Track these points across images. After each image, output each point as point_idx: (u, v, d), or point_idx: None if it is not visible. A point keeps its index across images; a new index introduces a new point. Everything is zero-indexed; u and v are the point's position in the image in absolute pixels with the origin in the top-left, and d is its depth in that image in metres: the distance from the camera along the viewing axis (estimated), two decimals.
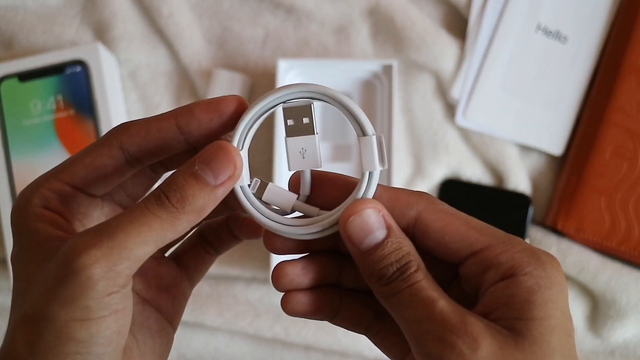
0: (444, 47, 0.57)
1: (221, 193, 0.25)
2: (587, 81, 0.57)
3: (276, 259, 0.54)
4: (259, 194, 0.27)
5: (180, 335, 0.56)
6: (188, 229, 0.25)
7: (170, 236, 0.24)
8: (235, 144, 0.26)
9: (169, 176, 0.25)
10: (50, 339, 0.23)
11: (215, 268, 0.56)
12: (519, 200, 0.56)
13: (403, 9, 0.57)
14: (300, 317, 0.28)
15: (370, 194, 0.26)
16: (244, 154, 0.26)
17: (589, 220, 0.54)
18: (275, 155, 0.54)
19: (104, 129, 0.53)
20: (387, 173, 0.54)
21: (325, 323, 0.57)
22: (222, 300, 0.56)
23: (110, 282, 0.23)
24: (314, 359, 0.56)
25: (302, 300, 0.28)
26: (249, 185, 0.27)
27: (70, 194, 0.27)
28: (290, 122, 0.27)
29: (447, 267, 0.27)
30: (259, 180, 0.28)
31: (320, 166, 0.27)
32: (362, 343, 0.55)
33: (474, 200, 0.56)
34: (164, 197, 0.24)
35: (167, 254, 0.32)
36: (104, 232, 0.23)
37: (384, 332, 0.28)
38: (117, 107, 0.56)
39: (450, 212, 0.26)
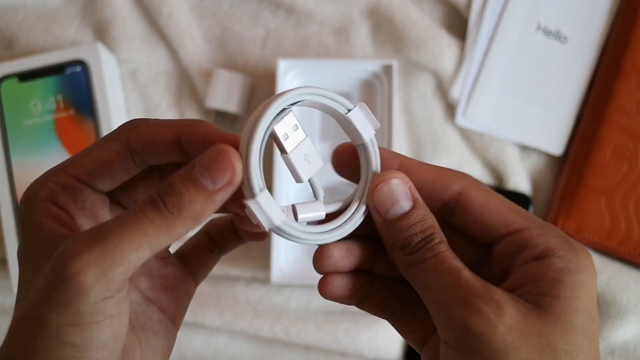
0: (444, 47, 0.57)
1: (219, 199, 0.24)
2: (587, 81, 0.57)
3: (277, 259, 0.54)
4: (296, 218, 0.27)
5: (180, 335, 0.56)
6: (185, 235, 0.24)
7: (165, 242, 0.24)
8: (256, 186, 0.25)
9: (166, 180, 0.24)
10: (45, 343, 0.22)
11: (216, 268, 0.56)
12: (519, 200, 0.56)
13: (403, 9, 0.57)
14: (336, 300, 0.28)
15: (379, 161, 0.27)
16: (266, 193, 0.25)
17: (589, 220, 0.54)
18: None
19: (104, 129, 0.53)
20: None
21: (325, 323, 0.57)
22: (222, 300, 0.56)
23: (104, 287, 0.22)
24: (313, 359, 0.56)
25: (341, 283, 0.28)
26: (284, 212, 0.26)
27: (77, 188, 0.27)
28: (284, 138, 0.26)
29: (478, 251, 0.27)
30: (292, 206, 0.27)
31: (322, 163, 0.27)
32: (362, 343, 0.55)
33: None
34: (160, 202, 0.23)
35: (172, 253, 0.32)
36: (97, 237, 0.23)
37: (408, 317, 0.29)
38: (117, 107, 0.56)
39: (492, 193, 0.27)
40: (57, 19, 0.59)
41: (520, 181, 0.56)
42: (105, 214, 0.28)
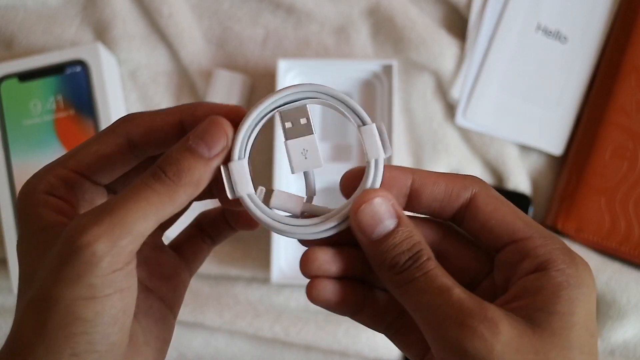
0: (444, 47, 0.57)
1: (215, 164, 0.25)
2: (587, 81, 0.57)
3: (277, 259, 0.54)
4: (265, 202, 0.27)
5: (180, 335, 0.56)
6: (186, 203, 0.25)
7: (169, 210, 0.25)
8: (235, 154, 0.26)
9: (164, 153, 0.25)
10: (58, 320, 0.23)
11: (216, 268, 0.56)
12: (519, 200, 0.56)
13: (403, 9, 0.57)
14: (324, 306, 0.28)
15: (378, 182, 0.27)
16: (244, 163, 0.26)
17: (589, 220, 0.54)
18: (275, 156, 0.54)
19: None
20: None
21: (325, 323, 0.57)
22: (222, 300, 0.56)
23: (115, 258, 0.23)
24: (314, 359, 0.56)
25: (328, 287, 0.28)
26: (257, 195, 0.27)
27: (76, 181, 0.27)
28: (288, 125, 0.27)
29: (483, 259, 0.27)
30: (264, 189, 0.28)
31: (322, 165, 0.27)
32: (362, 343, 0.55)
33: None
34: (161, 172, 0.24)
35: (167, 245, 0.32)
36: (104, 211, 0.23)
37: (405, 330, 0.28)
38: (117, 107, 0.56)
39: (501, 199, 0.27)
40: (57, 19, 0.59)
41: (520, 181, 0.56)
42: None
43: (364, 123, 0.27)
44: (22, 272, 0.26)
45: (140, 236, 0.24)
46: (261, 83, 0.58)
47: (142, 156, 0.28)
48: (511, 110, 0.57)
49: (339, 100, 0.27)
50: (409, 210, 0.28)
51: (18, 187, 0.53)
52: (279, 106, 0.27)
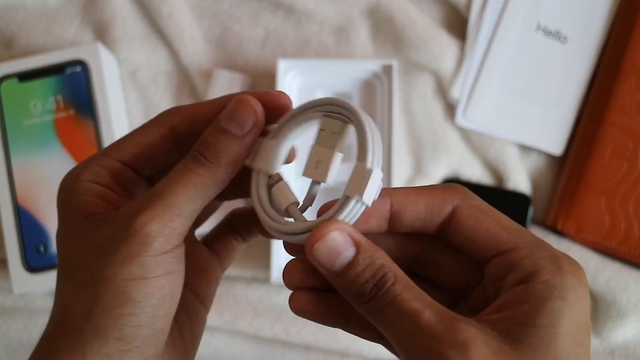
0: (444, 47, 0.57)
1: (249, 140, 0.27)
2: (587, 81, 0.57)
3: (277, 259, 0.54)
4: (269, 186, 0.28)
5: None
6: (227, 181, 0.27)
7: (213, 190, 0.26)
8: (271, 133, 0.27)
9: (203, 134, 0.26)
10: (108, 301, 0.24)
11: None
12: (519, 200, 0.56)
13: (403, 9, 0.57)
14: (308, 317, 0.28)
15: (342, 217, 0.25)
16: (273, 143, 0.27)
17: (589, 220, 0.54)
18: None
19: (104, 129, 0.53)
20: (388, 173, 0.54)
21: None
22: (222, 300, 0.56)
23: (166, 239, 0.24)
24: (313, 359, 0.56)
25: (308, 299, 0.27)
26: (270, 177, 0.28)
27: (120, 171, 0.28)
28: (322, 131, 0.27)
29: (473, 268, 0.27)
30: (279, 174, 0.28)
31: (325, 181, 0.27)
32: (362, 343, 0.55)
33: None
34: (200, 155, 0.26)
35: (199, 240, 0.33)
36: (154, 195, 0.25)
37: None
38: (117, 107, 0.56)
39: (483, 209, 0.26)
40: (57, 19, 0.59)
41: (520, 181, 0.56)
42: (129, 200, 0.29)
43: (373, 165, 0.26)
44: (65, 258, 0.26)
45: (189, 218, 0.25)
46: (261, 83, 0.58)
47: (184, 148, 0.28)
48: (511, 110, 0.57)
49: (368, 131, 0.26)
50: (392, 231, 0.27)
51: (18, 187, 0.53)
52: (328, 113, 0.27)
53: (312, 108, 0.27)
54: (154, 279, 0.24)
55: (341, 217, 0.25)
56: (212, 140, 0.26)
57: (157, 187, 0.25)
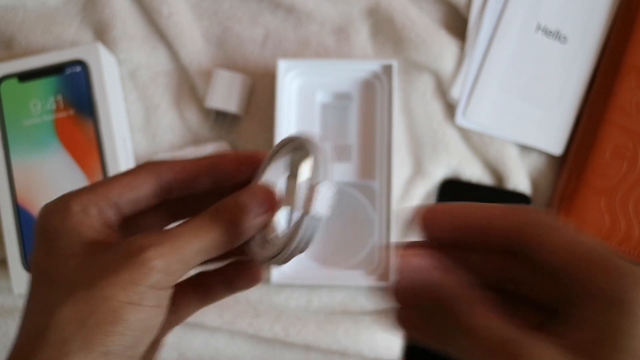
0: (444, 47, 0.57)
1: (261, 221, 0.29)
2: (587, 81, 0.57)
3: None
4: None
5: (180, 335, 0.56)
6: (233, 247, 0.29)
7: (215, 252, 0.28)
8: (256, 178, 0.31)
9: (222, 200, 0.29)
10: (102, 317, 0.25)
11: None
12: (519, 200, 0.56)
13: (403, 9, 0.57)
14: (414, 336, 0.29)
15: (299, 235, 0.27)
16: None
17: (589, 220, 0.54)
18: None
19: (104, 129, 0.53)
20: (387, 173, 0.54)
21: (325, 323, 0.57)
22: (222, 301, 0.56)
23: (165, 278, 0.26)
24: (313, 359, 0.56)
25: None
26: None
27: (105, 205, 0.29)
28: (290, 165, 0.31)
29: (558, 283, 0.26)
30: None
31: (295, 209, 0.31)
32: (362, 343, 0.55)
33: (473, 200, 0.56)
34: (218, 216, 0.28)
35: None
36: (167, 236, 0.27)
37: None
38: (117, 107, 0.56)
39: (556, 226, 0.26)
40: (56, 19, 0.59)
41: (520, 181, 0.56)
42: (116, 232, 0.30)
43: (323, 178, 0.28)
44: (57, 277, 0.27)
45: (189, 267, 0.27)
46: (261, 83, 0.58)
47: (166, 197, 0.31)
48: (511, 110, 0.57)
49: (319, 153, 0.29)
50: (474, 248, 0.28)
51: (18, 187, 0.53)
52: (293, 149, 0.31)
53: (281, 149, 0.31)
54: (148, 308, 0.26)
55: (299, 234, 0.27)
56: (233, 209, 0.29)
57: (174, 229, 0.28)
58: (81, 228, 0.28)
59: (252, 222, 0.29)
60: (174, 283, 0.27)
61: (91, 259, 0.27)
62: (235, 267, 0.34)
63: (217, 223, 0.28)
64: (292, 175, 0.31)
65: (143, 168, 0.30)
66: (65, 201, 0.29)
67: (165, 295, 0.27)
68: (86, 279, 0.26)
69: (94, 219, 0.29)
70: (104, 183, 0.30)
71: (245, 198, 0.29)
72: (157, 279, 0.26)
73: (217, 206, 0.29)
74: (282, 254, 0.28)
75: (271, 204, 0.30)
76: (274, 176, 0.31)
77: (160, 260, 0.26)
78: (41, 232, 0.28)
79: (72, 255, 0.27)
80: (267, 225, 0.30)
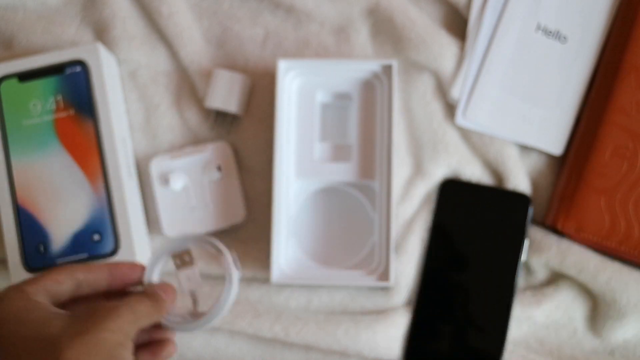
0: (444, 47, 0.57)
1: (171, 302, 0.43)
2: (587, 81, 0.57)
3: (277, 259, 0.53)
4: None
5: (180, 336, 0.56)
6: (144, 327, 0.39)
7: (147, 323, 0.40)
8: (153, 278, 0.45)
9: (144, 290, 0.43)
10: None
11: (215, 268, 0.56)
12: (519, 200, 0.56)
13: (403, 9, 0.57)
14: None
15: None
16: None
17: (588, 220, 0.54)
18: (276, 156, 0.54)
19: (104, 129, 0.53)
20: (387, 173, 0.54)
21: (325, 323, 0.57)
22: None
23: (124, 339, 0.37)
24: (313, 359, 0.56)
25: None
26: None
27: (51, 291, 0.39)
28: (177, 261, 0.46)
29: None
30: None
31: (200, 286, 0.46)
32: (362, 343, 0.55)
33: (473, 200, 0.56)
34: (150, 296, 0.41)
35: None
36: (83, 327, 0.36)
37: None
38: (117, 107, 0.56)
39: None
40: (56, 19, 0.59)
41: (520, 181, 0.56)
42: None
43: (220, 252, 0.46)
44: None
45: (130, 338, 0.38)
46: (261, 83, 0.58)
47: (79, 292, 0.41)
48: (511, 110, 0.57)
49: (211, 245, 0.46)
50: None
51: (18, 187, 0.53)
52: (172, 252, 0.46)
53: (158, 258, 0.45)
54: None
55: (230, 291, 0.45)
56: (155, 295, 0.41)
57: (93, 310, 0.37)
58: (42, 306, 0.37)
59: (168, 301, 0.42)
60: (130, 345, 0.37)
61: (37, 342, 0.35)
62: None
63: (146, 304, 0.40)
64: (182, 268, 0.46)
65: (65, 270, 0.40)
66: (19, 287, 0.38)
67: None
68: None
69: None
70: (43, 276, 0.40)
71: (156, 290, 0.42)
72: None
73: (141, 295, 0.41)
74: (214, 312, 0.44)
75: (174, 295, 0.43)
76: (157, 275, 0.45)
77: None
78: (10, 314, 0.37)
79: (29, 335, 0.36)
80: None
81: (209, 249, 0.46)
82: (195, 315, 0.45)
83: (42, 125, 0.54)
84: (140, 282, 0.44)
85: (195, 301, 0.46)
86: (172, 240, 0.48)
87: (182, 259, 0.46)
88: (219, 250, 0.45)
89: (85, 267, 0.41)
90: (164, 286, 0.43)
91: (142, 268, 0.44)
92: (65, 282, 0.39)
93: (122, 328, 0.36)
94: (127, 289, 0.43)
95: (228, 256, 0.45)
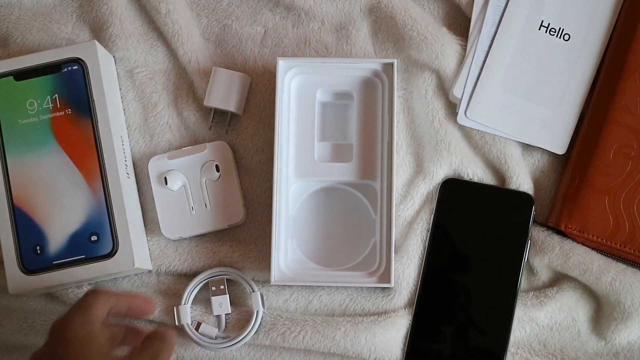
0: (445, 45, 0.56)
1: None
2: (591, 79, 0.57)
3: (277, 260, 0.53)
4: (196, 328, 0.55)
5: (180, 336, 0.56)
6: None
7: None
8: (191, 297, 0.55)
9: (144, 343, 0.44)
10: None
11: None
12: (522, 200, 0.55)
13: (404, 7, 0.57)
14: None
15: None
16: (186, 307, 0.55)
17: (592, 221, 0.54)
18: (275, 155, 0.53)
19: (101, 128, 0.53)
20: (389, 173, 0.54)
21: (324, 325, 0.56)
22: None
23: None
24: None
25: None
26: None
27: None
28: (214, 288, 0.54)
29: None
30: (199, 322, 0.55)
31: (229, 312, 0.54)
32: (361, 345, 0.54)
33: (475, 199, 0.56)
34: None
35: None
36: None
37: None
38: (114, 106, 0.55)
39: None
40: (53, 16, 0.58)
41: (522, 180, 0.56)
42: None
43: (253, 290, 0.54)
44: None
45: None
46: (260, 81, 0.58)
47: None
48: (513, 109, 0.57)
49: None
50: None
51: (14, 187, 0.52)
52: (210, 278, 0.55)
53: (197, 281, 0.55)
54: None
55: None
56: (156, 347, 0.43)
57: None
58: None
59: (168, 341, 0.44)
60: None
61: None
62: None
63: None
64: (215, 294, 0.54)
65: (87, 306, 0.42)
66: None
67: None
68: None
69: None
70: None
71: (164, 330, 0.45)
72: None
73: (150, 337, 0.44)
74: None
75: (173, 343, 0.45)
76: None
77: None
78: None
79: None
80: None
81: (243, 283, 0.54)
82: (223, 338, 0.54)
83: (38, 125, 0.53)
84: (151, 315, 0.51)
85: (223, 325, 0.54)
86: (213, 269, 0.54)
87: (217, 286, 0.54)
88: (251, 288, 0.54)
89: (115, 295, 0.44)
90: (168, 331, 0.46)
91: (154, 304, 0.52)
92: (103, 308, 0.42)
93: None
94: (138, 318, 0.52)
95: (258, 295, 0.54)
